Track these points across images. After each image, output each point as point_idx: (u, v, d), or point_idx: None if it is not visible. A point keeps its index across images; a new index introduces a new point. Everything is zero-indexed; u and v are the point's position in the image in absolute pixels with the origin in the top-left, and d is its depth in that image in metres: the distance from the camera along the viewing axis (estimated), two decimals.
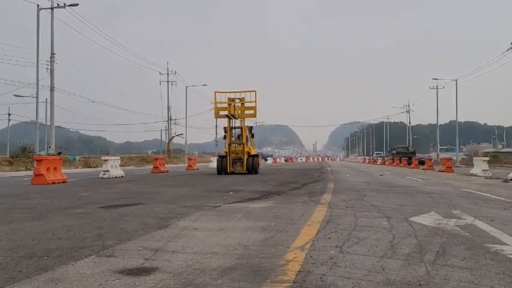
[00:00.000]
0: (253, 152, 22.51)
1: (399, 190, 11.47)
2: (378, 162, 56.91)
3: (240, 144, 21.62)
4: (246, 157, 21.39)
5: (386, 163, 49.89)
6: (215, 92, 21.82)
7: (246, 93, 21.65)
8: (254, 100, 21.37)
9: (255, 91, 21.49)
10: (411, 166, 36.23)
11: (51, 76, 30.75)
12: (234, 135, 22.04)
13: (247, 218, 6.06)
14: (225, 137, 22.17)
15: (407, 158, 41.03)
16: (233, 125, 21.91)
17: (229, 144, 21.38)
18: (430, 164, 31.60)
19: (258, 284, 2.88)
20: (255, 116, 22.46)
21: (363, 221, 5.73)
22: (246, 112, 21.58)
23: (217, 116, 22.34)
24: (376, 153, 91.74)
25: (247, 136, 21.88)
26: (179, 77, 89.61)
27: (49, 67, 30.81)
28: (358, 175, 21.76)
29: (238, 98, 21.48)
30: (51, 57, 30.60)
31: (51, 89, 30.81)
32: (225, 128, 22.09)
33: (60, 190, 11.56)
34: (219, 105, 21.80)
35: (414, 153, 49.02)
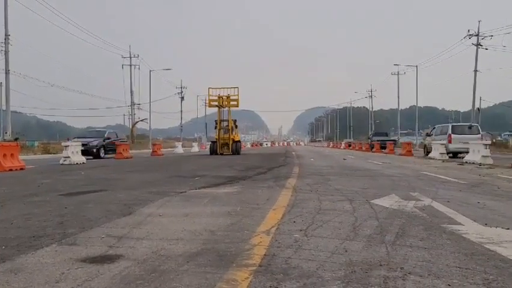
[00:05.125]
0: (236, 139, 29.52)
1: (361, 174, 11.77)
2: (341, 147, 58.29)
3: (226, 133, 28.57)
4: (231, 142, 28.21)
5: (350, 147, 51.50)
6: (209, 88, 29.27)
7: (231, 88, 29.05)
8: (237, 94, 28.78)
9: (237, 87, 28.94)
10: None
11: (6, 58, 29.29)
12: (222, 126, 28.91)
13: (213, 203, 6.06)
14: (215, 127, 29.21)
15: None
16: (222, 118, 29.06)
17: (218, 131, 28.52)
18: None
19: (223, 268, 2.90)
20: (238, 106, 29.26)
21: (327, 204, 5.85)
22: (231, 103, 28.70)
23: (210, 105, 30.22)
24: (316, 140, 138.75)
25: (232, 127, 28.69)
26: (142, 61, 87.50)
27: (4, 49, 29.35)
28: (322, 159, 22.15)
29: (226, 95, 28.65)
30: (5, 39, 29.09)
31: (7, 72, 29.37)
32: (215, 120, 29.30)
33: (18, 177, 11.14)
34: (211, 97, 29.14)
35: (320, 141, 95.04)
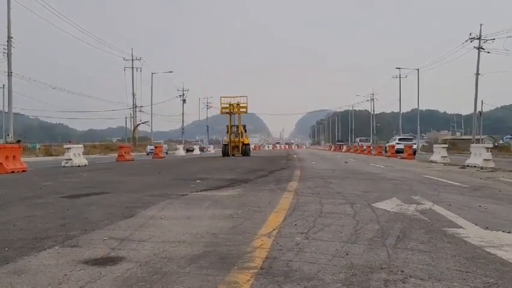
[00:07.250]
0: (246, 142, 33.10)
1: (363, 177, 11.77)
2: (343, 150, 58.52)
3: (236, 137, 32.23)
4: (241, 145, 31.91)
5: (351, 150, 51.75)
6: (220, 97, 33.26)
7: (241, 97, 33.08)
8: (245, 102, 32.72)
9: (246, 96, 32.97)
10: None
11: (8, 61, 29.38)
12: (233, 130, 32.39)
13: (215, 206, 6.07)
14: (227, 132, 32.65)
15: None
16: (233, 123, 32.59)
17: (230, 135, 32.01)
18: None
19: (225, 271, 2.92)
20: (246, 113, 33.28)
21: (328, 207, 5.86)
22: (241, 110, 32.60)
23: (222, 113, 33.02)
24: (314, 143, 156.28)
25: (242, 131, 32.42)
26: (144, 64, 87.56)
27: (6, 51, 29.45)
28: (323, 162, 22.14)
29: (236, 103, 32.33)
30: (8, 41, 29.19)
31: (9, 74, 29.47)
32: (227, 126, 32.73)
33: (20, 179, 11.17)
34: (223, 105, 32.59)
35: (315, 144, 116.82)
